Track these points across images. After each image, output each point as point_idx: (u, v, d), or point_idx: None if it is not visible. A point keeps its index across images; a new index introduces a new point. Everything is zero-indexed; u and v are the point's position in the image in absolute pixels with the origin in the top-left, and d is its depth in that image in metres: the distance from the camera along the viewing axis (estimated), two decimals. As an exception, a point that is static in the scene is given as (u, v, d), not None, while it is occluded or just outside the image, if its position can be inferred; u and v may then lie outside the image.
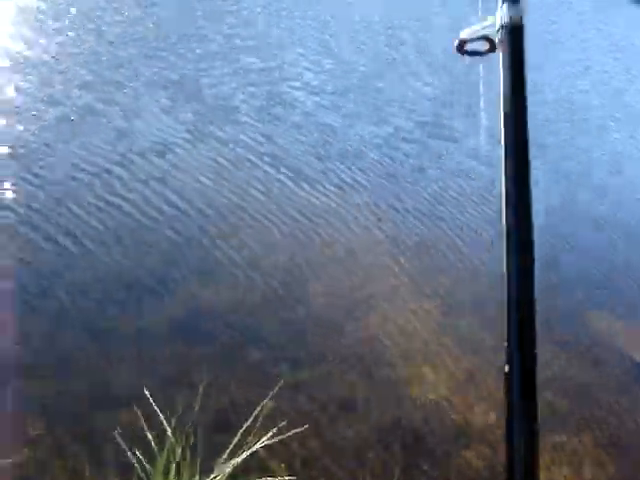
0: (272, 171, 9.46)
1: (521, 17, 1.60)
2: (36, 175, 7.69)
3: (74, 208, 7.30)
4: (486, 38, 1.66)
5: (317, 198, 9.14)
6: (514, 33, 1.60)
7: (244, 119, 10.81)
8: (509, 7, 1.60)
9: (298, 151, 10.26)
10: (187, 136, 9.69)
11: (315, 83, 13.29)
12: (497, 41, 1.64)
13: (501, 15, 1.62)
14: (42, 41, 11.06)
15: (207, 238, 7.48)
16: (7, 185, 7.30)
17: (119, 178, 8.16)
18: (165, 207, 7.86)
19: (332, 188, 9.49)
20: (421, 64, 16.59)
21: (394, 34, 19.00)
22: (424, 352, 6.54)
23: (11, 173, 7.57)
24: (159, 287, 6.45)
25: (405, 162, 11.09)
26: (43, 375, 5.10)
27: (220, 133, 10.08)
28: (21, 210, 7.01)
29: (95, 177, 8.03)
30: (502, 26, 1.61)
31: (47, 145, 8.34)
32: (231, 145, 9.84)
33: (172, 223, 7.61)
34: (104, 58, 11.21)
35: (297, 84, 12.90)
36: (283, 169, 9.56)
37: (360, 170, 10.27)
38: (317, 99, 12.54)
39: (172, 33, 13.26)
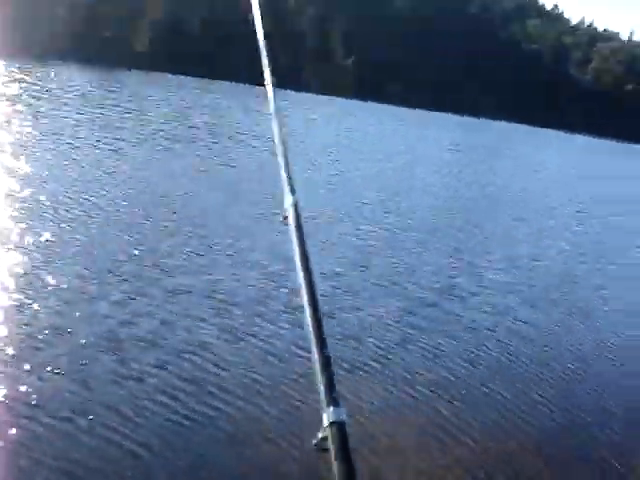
0: (303, 359, 9.59)
1: (344, 419, 1.79)
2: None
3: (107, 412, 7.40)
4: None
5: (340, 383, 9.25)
6: (341, 432, 1.77)
7: (269, 314, 11.07)
8: (334, 411, 1.79)
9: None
10: (214, 340, 9.86)
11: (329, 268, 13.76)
12: None
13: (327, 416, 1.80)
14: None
15: (234, 444, 7.43)
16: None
17: (154, 382, 8.29)
18: (197, 408, 7.92)
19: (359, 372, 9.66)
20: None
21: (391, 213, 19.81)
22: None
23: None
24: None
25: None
26: None
27: (251, 331, 10.29)
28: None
29: (131, 381, 8.17)
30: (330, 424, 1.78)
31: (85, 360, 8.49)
32: (261, 341, 10.03)
33: (207, 425, 7.63)
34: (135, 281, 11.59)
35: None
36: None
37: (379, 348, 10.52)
38: (332, 283, 12.99)
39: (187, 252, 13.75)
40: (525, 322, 12.71)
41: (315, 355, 1.94)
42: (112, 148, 23.80)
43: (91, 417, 7.35)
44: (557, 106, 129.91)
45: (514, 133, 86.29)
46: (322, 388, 1.86)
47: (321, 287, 12.61)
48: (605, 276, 17.32)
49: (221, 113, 45.61)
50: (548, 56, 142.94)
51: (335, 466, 1.72)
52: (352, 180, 26.30)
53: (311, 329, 1.98)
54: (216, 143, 30.64)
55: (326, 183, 24.57)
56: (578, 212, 27.81)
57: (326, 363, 1.93)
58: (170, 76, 73.13)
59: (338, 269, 14.11)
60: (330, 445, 1.75)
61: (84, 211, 14.99)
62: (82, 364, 8.43)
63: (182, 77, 75.00)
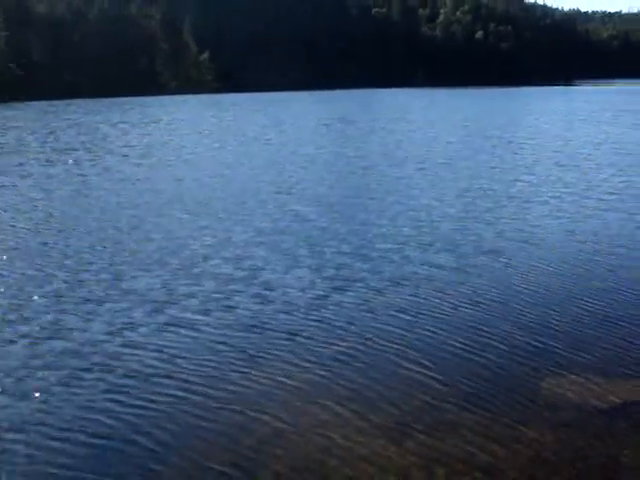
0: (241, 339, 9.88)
1: None
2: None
3: None
4: None
5: None
6: None
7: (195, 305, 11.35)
8: None
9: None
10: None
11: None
12: None
13: None
14: None
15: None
16: None
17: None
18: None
19: None
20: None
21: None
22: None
23: None
24: None
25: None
26: None
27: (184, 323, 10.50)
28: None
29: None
30: None
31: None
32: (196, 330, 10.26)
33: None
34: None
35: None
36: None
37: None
38: (250, 262, 13.35)
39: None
40: (440, 267, 13.45)
41: None
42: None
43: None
44: (413, 65, 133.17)
45: (375, 96, 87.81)
46: None
47: (242, 264, 13.41)
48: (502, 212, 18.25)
49: (89, 130, 45.05)
50: (397, 18, 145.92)
51: None
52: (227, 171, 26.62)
53: None
54: (93, 160, 30.44)
55: (209, 177, 24.89)
56: (451, 160, 28.86)
57: None
58: (29, 103, 71.70)
59: (251, 250, 14.74)
60: None
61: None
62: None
63: (40, 102, 73.51)
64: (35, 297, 11.87)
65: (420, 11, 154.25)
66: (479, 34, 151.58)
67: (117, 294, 11.99)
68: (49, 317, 10.91)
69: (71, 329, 10.41)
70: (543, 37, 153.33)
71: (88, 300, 11.68)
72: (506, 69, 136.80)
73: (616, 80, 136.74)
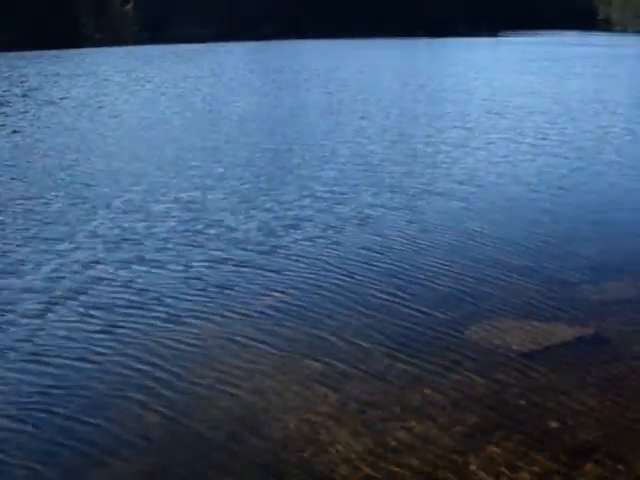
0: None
1: None
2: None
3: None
4: None
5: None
6: None
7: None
8: None
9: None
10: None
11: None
12: None
13: None
14: None
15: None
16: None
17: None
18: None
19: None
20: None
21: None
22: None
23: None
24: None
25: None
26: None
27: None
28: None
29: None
30: None
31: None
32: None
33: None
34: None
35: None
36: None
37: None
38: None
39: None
40: (386, 207, 13.93)
41: None
42: None
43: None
44: (328, 14, 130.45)
45: (298, 47, 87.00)
46: None
47: (190, 207, 13.80)
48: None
49: (19, 83, 44.04)
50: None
51: None
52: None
53: None
54: (30, 111, 30.05)
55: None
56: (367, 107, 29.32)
57: None
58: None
59: (196, 194, 14.93)
60: None
61: None
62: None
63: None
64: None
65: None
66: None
67: (70, 234, 12.31)
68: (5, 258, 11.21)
69: (31, 267, 10.71)
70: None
71: (43, 240, 12.02)
72: (427, 19, 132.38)
73: (542, 31, 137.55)
